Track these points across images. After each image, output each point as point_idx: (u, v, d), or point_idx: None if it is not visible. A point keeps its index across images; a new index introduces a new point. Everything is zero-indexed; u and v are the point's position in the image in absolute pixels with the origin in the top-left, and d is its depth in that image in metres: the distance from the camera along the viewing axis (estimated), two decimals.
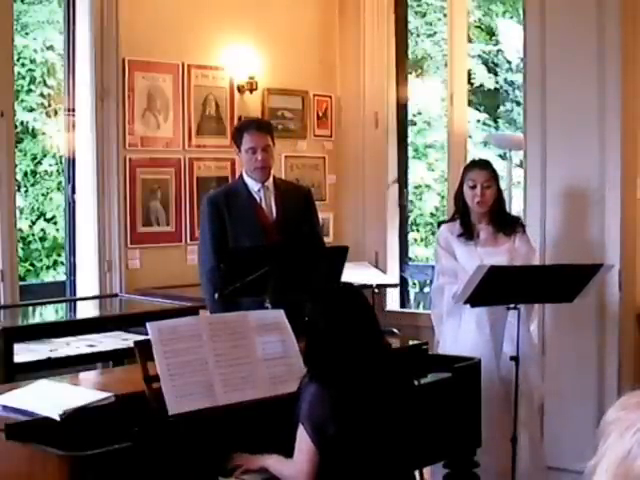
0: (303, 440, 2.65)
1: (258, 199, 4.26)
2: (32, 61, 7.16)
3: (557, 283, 3.88)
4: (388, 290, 6.35)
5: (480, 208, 4.15)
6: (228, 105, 5.90)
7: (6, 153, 4.88)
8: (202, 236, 4.29)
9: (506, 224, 4.19)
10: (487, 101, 9.23)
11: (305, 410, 2.65)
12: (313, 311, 2.83)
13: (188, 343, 2.81)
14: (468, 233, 4.18)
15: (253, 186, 4.26)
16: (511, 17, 9.18)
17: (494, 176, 4.19)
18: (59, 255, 7.09)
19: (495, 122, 9.25)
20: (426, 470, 4.04)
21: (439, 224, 4.51)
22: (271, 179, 4.31)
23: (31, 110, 7.09)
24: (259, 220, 4.24)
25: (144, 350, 2.76)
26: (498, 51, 9.26)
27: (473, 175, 4.16)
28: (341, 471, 2.68)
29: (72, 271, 5.45)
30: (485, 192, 4.14)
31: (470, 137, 7.06)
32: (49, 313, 4.88)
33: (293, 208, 4.29)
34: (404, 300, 6.58)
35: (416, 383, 3.24)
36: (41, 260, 7.26)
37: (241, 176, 4.37)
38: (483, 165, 4.25)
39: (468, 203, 4.17)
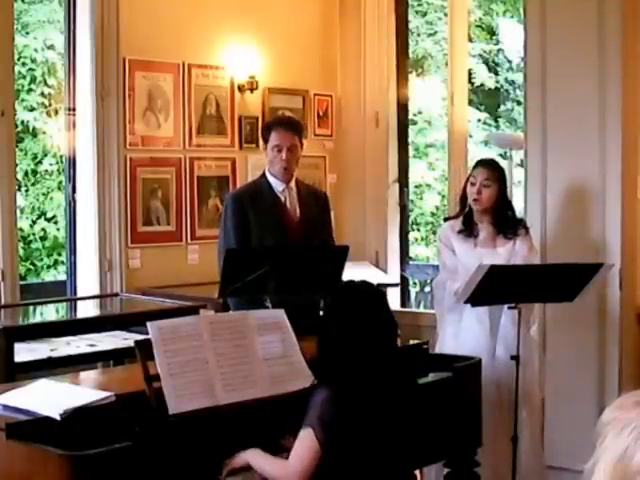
0: (307, 440, 2.60)
1: (283, 199, 4.25)
2: (33, 60, 7.14)
3: (558, 282, 3.88)
4: (389, 290, 6.33)
5: (476, 205, 4.16)
6: (229, 104, 5.90)
7: (7, 152, 4.88)
8: (224, 232, 4.22)
9: (507, 226, 4.19)
10: (488, 100, 9.21)
11: (314, 413, 2.61)
12: (326, 311, 2.86)
13: (189, 342, 2.81)
14: (467, 230, 4.19)
15: (277, 186, 4.25)
16: (512, 16, 9.16)
17: (496, 176, 4.18)
18: (60, 254, 7.08)
19: (496, 121, 9.23)
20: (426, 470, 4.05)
21: (445, 220, 4.55)
22: (294, 180, 4.30)
23: (32, 109, 7.08)
24: (284, 220, 4.24)
25: (145, 349, 2.76)
26: (499, 50, 9.24)
27: (475, 172, 4.20)
28: (343, 473, 2.66)
29: (73, 270, 5.44)
30: (482, 190, 4.14)
31: (471, 136, 7.04)
32: (50, 312, 4.87)
33: (312, 211, 4.31)
34: (405, 300, 6.58)
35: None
36: (42, 259, 7.25)
37: (264, 175, 4.32)
38: (485, 164, 4.27)
39: (469, 200, 4.19)
